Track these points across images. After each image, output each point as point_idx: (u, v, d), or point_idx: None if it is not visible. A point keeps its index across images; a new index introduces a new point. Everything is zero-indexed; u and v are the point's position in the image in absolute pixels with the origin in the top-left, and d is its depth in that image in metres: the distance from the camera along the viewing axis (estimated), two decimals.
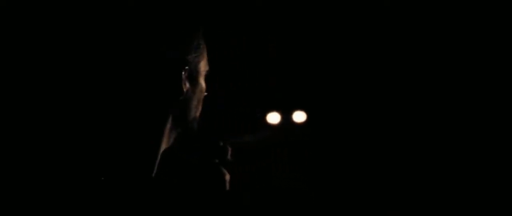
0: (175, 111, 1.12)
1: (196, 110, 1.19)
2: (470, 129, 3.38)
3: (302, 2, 3.43)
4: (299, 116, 3.57)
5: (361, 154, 3.51)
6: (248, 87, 3.59)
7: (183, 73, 1.11)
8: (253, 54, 3.56)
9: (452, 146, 3.41)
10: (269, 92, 3.60)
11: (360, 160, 3.52)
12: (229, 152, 1.28)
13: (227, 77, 3.56)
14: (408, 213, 3.44)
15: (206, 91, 1.26)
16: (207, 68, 1.19)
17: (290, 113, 3.57)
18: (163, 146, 1.14)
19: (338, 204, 3.52)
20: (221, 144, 1.27)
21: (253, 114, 3.56)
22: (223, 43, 3.51)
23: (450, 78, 3.40)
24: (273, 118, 3.58)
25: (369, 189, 3.48)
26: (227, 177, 1.26)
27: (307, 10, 3.44)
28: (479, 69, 3.37)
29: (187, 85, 1.13)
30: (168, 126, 1.13)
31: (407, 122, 3.47)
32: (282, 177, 3.62)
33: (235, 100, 3.59)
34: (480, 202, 3.35)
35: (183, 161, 1.26)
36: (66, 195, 1.02)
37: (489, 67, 3.36)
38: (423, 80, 3.43)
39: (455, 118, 3.40)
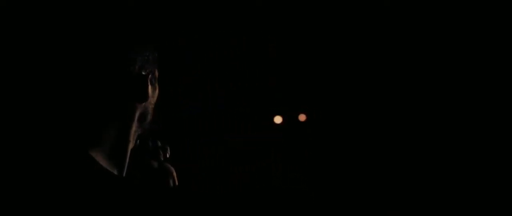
0: (139, 114, 1.22)
1: (152, 113, 1.28)
2: (470, 129, 3.39)
3: (302, 2, 3.43)
4: (299, 116, 3.57)
5: (361, 154, 3.52)
6: (248, 87, 3.59)
7: (148, 80, 1.21)
8: (253, 54, 3.56)
9: (452, 146, 3.41)
10: (269, 92, 3.60)
11: (360, 160, 3.52)
12: (168, 151, 1.40)
13: (227, 77, 3.57)
14: (408, 213, 3.44)
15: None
16: (157, 74, 1.28)
17: (291, 113, 3.57)
18: (130, 146, 1.22)
19: (338, 204, 3.52)
20: (160, 144, 1.38)
21: (256, 114, 3.57)
22: (223, 43, 3.52)
23: (450, 78, 3.40)
24: (274, 118, 3.59)
25: (369, 189, 3.49)
26: (174, 173, 1.38)
27: (307, 10, 3.44)
28: (479, 69, 3.37)
29: (150, 90, 1.23)
30: (133, 128, 1.21)
31: (407, 122, 3.47)
32: (282, 177, 3.62)
33: (235, 100, 3.59)
34: (480, 202, 3.35)
35: (139, 160, 1.36)
36: (41, 196, 1.05)
37: (489, 67, 3.36)
38: (423, 80, 3.44)
39: (455, 118, 3.41)
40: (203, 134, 3.61)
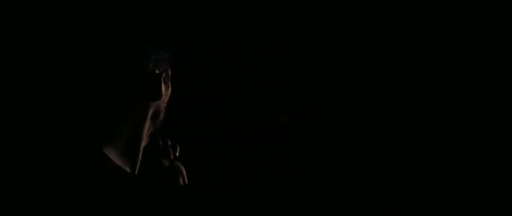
0: (152, 112, 1.23)
1: (165, 111, 1.29)
2: (470, 129, 3.39)
3: (302, 2, 3.43)
4: (299, 116, 3.56)
5: (361, 154, 3.52)
6: (248, 87, 3.59)
7: (161, 78, 1.22)
8: (253, 54, 3.56)
9: (452, 146, 3.41)
10: (269, 92, 3.60)
11: (360, 159, 3.52)
12: (178, 150, 1.41)
13: (227, 77, 3.56)
14: (408, 213, 3.44)
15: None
16: (170, 73, 1.30)
17: (290, 113, 3.57)
18: (143, 144, 1.23)
19: (338, 204, 3.52)
20: (169, 143, 1.39)
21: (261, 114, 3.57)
22: (223, 43, 3.51)
23: (450, 78, 3.40)
24: (274, 117, 3.58)
25: (369, 189, 3.48)
26: (184, 172, 1.39)
27: (307, 10, 3.44)
28: (479, 69, 3.37)
29: (163, 89, 1.24)
30: (146, 126, 1.22)
31: (407, 122, 3.47)
32: (282, 177, 3.62)
33: (235, 100, 3.59)
34: (480, 202, 3.35)
35: (151, 159, 1.36)
36: (54, 194, 1.05)
37: (489, 67, 3.36)
38: (423, 80, 3.44)
39: (455, 118, 3.40)
40: (203, 134, 3.61)
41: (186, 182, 1.38)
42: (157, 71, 1.21)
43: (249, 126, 3.62)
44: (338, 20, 3.44)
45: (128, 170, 1.21)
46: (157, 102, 1.24)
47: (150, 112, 1.24)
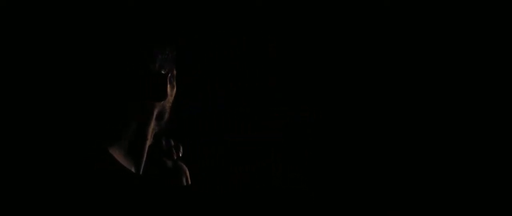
0: (157, 112, 1.23)
1: (169, 111, 1.30)
2: (470, 129, 3.39)
3: (302, 2, 3.43)
4: (299, 116, 3.56)
5: (361, 154, 3.52)
6: (248, 87, 3.59)
7: (167, 78, 1.22)
8: (253, 54, 3.56)
9: (452, 146, 3.41)
10: (269, 92, 3.60)
11: (360, 159, 3.52)
12: (181, 150, 1.42)
13: (227, 77, 3.56)
14: (408, 213, 3.44)
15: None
16: (175, 72, 1.30)
17: (290, 113, 3.57)
18: (147, 144, 1.23)
19: (338, 204, 3.52)
20: (172, 143, 1.40)
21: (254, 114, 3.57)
22: (223, 43, 3.51)
23: (450, 78, 3.40)
24: (272, 117, 3.58)
25: (369, 189, 3.49)
26: (187, 172, 1.40)
27: (307, 10, 3.44)
28: (479, 69, 3.37)
29: (168, 89, 1.24)
30: (151, 126, 1.23)
31: (407, 122, 3.47)
32: (282, 177, 3.62)
33: (235, 100, 3.59)
34: (480, 202, 3.35)
35: (155, 159, 1.37)
36: (59, 193, 1.06)
37: (489, 67, 3.36)
38: (423, 80, 3.44)
39: (455, 118, 3.40)
40: (203, 134, 3.61)
41: (190, 182, 1.39)
42: (163, 71, 1.22)
43: (249, 126, 3.62)
44: (338, 20, 3.44)
45: (133, 170, 1.21)
46: (162, 102, 1.25)
47: (155, 112, 1.25)
